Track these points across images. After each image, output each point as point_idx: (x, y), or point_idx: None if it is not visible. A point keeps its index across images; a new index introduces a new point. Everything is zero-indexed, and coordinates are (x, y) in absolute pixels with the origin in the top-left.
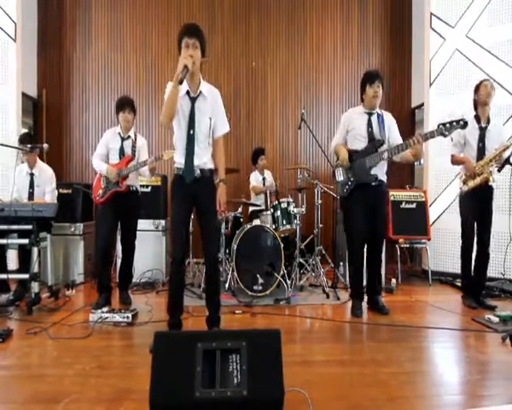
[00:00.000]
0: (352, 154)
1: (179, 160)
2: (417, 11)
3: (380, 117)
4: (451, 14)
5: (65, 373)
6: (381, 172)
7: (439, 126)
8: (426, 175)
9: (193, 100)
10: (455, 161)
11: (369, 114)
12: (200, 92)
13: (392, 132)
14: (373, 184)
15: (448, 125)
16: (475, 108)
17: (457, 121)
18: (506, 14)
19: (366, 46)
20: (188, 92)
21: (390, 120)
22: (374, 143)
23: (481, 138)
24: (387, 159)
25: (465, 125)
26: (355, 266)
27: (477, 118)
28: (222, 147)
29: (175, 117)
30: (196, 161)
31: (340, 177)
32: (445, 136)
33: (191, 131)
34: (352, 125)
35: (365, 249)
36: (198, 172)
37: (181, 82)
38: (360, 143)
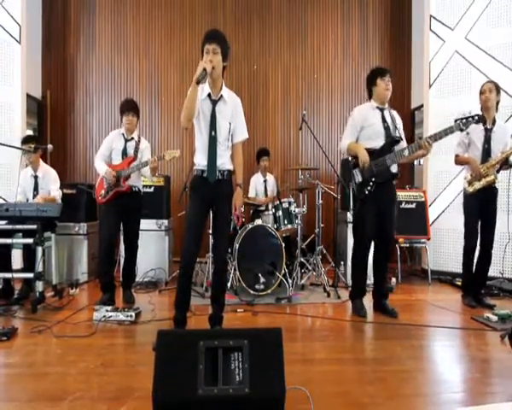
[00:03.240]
0: (370, 153)
1: (200, 161)
2: (417, 13)
3: (391, 114)
4: (451, 16)
5: (68, 371)
6: (394, 166)
7: (456, 122)
8: (425, 175)
9: (214, 103)
10: (459, 161)
11: (381, 110)
12: (221, 96)
13: (400, 132)
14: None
15: (464, 120)
16: (481, 108)
17: (472, 117)
18: (505, 16)
19: (366, 48)
20: (209, 95)
21: (399, 119)
22: (391, 142)
23: (487, 140)
24: (408, 156)
25: (479, 119)
26: (359, 266)
27: (483, 119)
28: (240, 152)
29: (196, 119)
30: (217, 162)
31: (358, 178)
32: (462, 130)
33: (212, 133)
34: (369, 122)
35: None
36: (218, 172)
37: (198, 82)
38: (377, 140)
